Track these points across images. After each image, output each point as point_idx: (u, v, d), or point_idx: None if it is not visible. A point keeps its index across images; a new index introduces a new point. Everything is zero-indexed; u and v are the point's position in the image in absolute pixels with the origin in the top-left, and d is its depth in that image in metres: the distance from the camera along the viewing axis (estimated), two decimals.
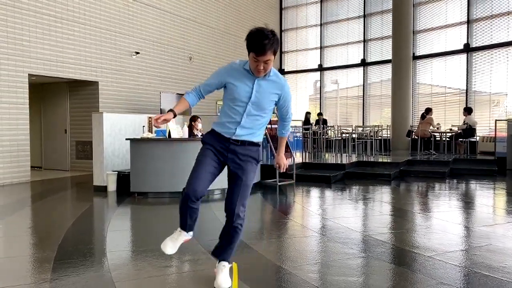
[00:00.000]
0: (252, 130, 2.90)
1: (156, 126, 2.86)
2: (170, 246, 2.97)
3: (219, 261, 3.08)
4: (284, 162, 3.19)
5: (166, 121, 2.81)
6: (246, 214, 2.97)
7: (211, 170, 2.86)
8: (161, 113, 11.36)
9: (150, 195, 7.06)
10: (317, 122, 15.44)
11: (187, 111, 12.34)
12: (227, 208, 2.92)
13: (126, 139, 7.44)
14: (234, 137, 2.86)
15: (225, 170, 3.00)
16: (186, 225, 2.92)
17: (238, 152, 2.89)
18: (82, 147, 11.05)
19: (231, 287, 3.03)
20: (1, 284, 3.26)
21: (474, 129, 11.76)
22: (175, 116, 2.87)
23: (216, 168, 2.90)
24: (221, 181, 3.17)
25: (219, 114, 3.00)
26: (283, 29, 18.84)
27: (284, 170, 3.27)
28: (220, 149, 2.89)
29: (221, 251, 3.07)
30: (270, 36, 2.65)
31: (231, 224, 2.92)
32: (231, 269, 3.14)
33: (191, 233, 2.99)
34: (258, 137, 2.96)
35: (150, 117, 8.88)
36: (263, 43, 2.63)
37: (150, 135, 7.51)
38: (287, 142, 9.16)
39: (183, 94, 11.50)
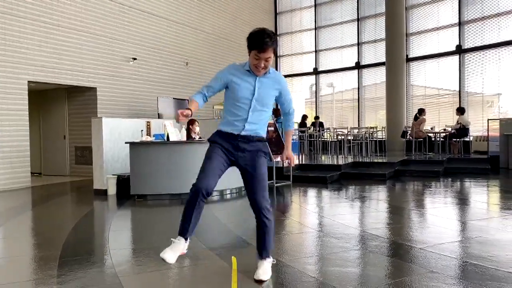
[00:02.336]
0: (258, 125, 3.06)
1: (180, 119, 2.86)
2: (170, 255, 2.95)
3: (260, 259, 3.17)
4: (292, 156, 3.33)
5: (187, 116, 2.86)
6: (271, 205, 3.11)
7: (220, 167, 2.99)
8: (159, 117, 11.48)
9: (149, 198, 7.18)
10: (313, 124, 15.61)
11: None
12: (253, 205, 3.05)
13: (126, 142, 7.56)
14: (243, 133, 3.00)
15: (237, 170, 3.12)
16: (187, 229, 2.93)
17: (247, 149, 3.03)
18: (81, 152, 11.17)
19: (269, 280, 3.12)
20: (10, 279, 3.39)
21: (468, 129, 11.94)
22: (191, 112, 2.90)
23: (224, 166, 3.03)
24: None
25: (223, 114, 3.12)
26: (278, 33, 19.01)
27: (293, 164, 3.39)
28: (229, 148, 3.02)
29: (263, 249, 3.15)
30: (271, 35, 2.90)
31: (262, 218, 3.06)
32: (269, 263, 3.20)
33: (187, 243, 3.01)
34: (263, 132, 3.13)
35: (148, 122, 9.02)
36: (265, 40, 2.85)
37: (149, 139, 7.65)
38: (283, 144, 9.24)
39: (179, 99, 11.48)
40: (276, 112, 9.85)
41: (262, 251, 3.16)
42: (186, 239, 2.99)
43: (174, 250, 2.97)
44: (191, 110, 2.91)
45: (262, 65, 2.91)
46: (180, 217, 2.98)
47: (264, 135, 3.14)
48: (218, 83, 3.07)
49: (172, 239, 3.02)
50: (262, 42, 2.85)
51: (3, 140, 8.90)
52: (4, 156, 8.93)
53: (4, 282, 3.33)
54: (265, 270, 3.14)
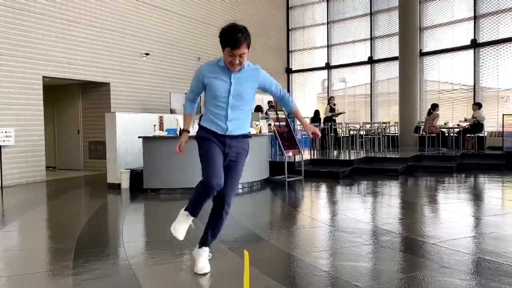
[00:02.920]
0: (241, 122, 3.06)
1: (180, 152, 3.21)
2: (181, 230, 3.13)
3: (200, 247, 3.25)
4: (315, 128, 3.22)
5: (183, 145, 3.20)
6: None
7: (222, 160, 3.05)
8: (171, 113, 11.54)
9: (162, 191, 7.25)
10: (332, 110, 14.90)
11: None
12: (221, 197, 3.10)
13: (139, 137, 7.63)
14: (227, 133, 3.02)
15: None
16: (196, 212, 3.12)
17: (233, 145, 3.07)
18: (94, 147, 11.30)
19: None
20: (27, 270, 3.47)
21: (482, 124, 11.80)
22: (188, 132, 3.25)
23: (223, 159, 3.07)
24: None
25: (204, 112, 3.14)
26: (290, 28, 18.98)
27: (319, 137, 3.27)
28: (218, 143, 3.05)
29: (208, 238, 3.24)
30: (243, 30, 2.84)
31: (222, 210, 3.14)
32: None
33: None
34: (247, 128, 3.15)
35: (161, 116, 9.08)
36: (237, 36, 2.79)
37: (162, 133, 7.71)
38: (295, 138, 9.17)
39: None
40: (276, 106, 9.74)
41: (212, 239, 3.24)
42: (195, 217, 3.15)
43: (184, 225, 3.13)
44: (186, 131, 3.25)
45: (237, 61, 2.86)
46: (191, 197, 3.11)
47: (248, 131, 3.16)
48: (197, 85, 3.11)
49: (181, 214, 3.13)
50: (234, 38, 2.78)
51: (18, 135, 9.05)
52: (19, 151, 9.07)
53: (21, 273, 3.41)
54: (206, 261, 3.24)
